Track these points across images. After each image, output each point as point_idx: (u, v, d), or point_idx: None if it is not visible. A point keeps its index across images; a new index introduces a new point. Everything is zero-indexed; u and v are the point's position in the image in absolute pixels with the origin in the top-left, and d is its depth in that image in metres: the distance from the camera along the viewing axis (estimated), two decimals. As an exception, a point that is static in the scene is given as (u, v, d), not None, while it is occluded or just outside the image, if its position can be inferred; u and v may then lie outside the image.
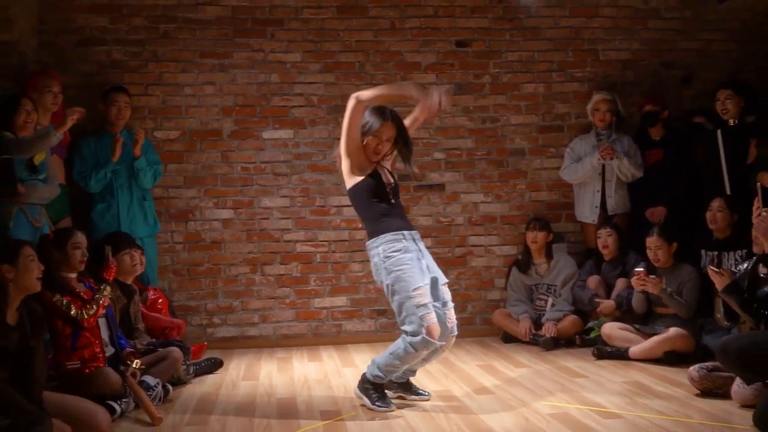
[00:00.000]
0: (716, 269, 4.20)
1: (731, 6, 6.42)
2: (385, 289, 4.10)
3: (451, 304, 4.19)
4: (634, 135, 6.25)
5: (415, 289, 3.97)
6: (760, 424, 3.39)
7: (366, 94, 4.07)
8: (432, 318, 3.97)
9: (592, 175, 6.11)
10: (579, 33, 6.47)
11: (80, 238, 4.28)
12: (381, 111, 4.16)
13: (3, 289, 3.42)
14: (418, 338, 3.94)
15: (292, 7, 6.16)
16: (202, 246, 6.10)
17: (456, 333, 4.20)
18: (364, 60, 6.25)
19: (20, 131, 4.71)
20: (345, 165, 4.20)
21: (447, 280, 4.24)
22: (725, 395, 4.07)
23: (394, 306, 4.06)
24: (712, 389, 4.16)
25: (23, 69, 5.43)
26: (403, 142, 4.20)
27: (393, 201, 4.20)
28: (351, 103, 4.07)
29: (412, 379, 4.36)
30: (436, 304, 4.08)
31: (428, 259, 4.19)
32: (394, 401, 4.15)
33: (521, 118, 6.43)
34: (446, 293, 4.18)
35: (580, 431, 3.60)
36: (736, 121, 5.57)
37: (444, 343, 4.12)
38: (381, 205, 4.14)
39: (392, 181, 4.27)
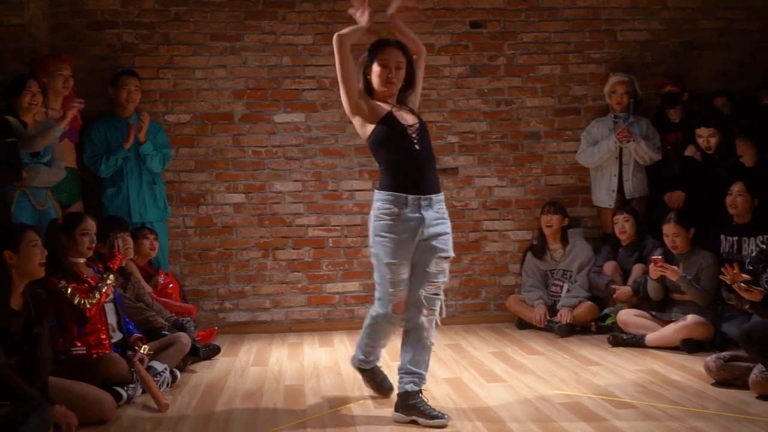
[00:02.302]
0: (746, 286, 3.98)
1: (753, -17, 6.30)
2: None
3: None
4: (652, 117, 6.13)
5: (389, 264, 3.62)
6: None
7: (344, 30, 3.66)
8: (400, 297, 3.65)
9: (608, 159, 6.01)
10: (596, 13, 6.35)
11: (89, 224, 4.23)
12: (382, 40, 3.77)
13: (5, 275, 3.38)
14: (383, 312, 3.70)
15: (303, -12, 6.11)
16: (213, 230, 6.08)
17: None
18: (377, 42, 6.18)
19: (25, 113, 4.69)
20: (357, 121, 3.73)
21: (443, 279, 3.79)
22: (744, 386, 3.95)
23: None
24: (730, 380, 4.05)
25: (35, 52, 5.40)
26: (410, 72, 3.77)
27: (418, 147, 3.65)
28: (335, 44, 3.63)
29: (431, 400, 3.77)
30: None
31: (434, 234, 3.73)
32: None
33: (537, 101, 6.33)
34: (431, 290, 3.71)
35: (591, 421, 3.51)
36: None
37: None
38: (398, 152, 3.64)
39: (416, 121, 3.73)
